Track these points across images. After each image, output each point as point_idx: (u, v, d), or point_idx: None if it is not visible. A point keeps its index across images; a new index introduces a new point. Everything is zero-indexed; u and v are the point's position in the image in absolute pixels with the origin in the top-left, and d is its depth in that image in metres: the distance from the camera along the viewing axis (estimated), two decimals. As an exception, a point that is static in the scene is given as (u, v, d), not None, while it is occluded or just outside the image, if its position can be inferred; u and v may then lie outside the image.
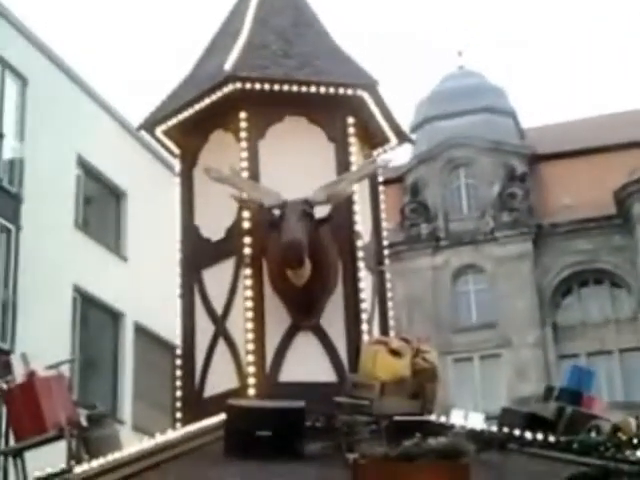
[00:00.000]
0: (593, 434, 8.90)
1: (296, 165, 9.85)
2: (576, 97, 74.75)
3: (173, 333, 10.36)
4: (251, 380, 9.16)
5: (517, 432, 8.61)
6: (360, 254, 9.85)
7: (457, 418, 8.72)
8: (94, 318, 22.40)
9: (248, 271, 9.51)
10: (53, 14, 63.84)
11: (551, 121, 42.04)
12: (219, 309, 9.80)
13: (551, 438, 8.57)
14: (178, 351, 10.17)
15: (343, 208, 9.79)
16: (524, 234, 36.60)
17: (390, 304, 10.61)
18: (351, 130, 10.24)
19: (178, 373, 10.04)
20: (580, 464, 8.16)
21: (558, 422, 8.98)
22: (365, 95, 10.31)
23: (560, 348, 35.41)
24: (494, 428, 8.70)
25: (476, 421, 8.76)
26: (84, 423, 9.32)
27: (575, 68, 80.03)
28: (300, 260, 9.11)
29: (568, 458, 8.30)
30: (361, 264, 9.83)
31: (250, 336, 9.29)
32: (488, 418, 8.97)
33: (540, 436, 8.55)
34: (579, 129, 39.07)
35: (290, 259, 9.12)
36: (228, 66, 10.01)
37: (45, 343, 16.39)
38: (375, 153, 10.99)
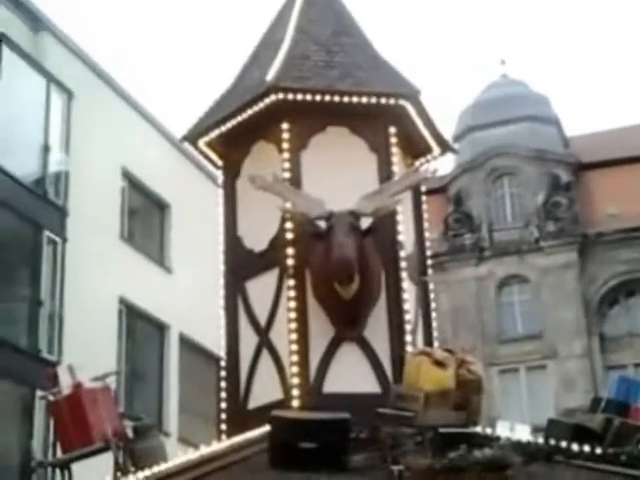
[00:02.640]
0: (641, 446, 8.79)
1: (338, 176, 9.84)
2: (621, 104, 74.17)
3: (218, 344, 10.39)
4: (295, 391, 9.15)
5: (564, 444, 8.53)
6: (403, 265, 9.82)
7: (503, 430, 8.65)
8: (139, 330, 22.54)
9: (291, 282, 9.51)
10: (98, 28, 64.54)
11: (596, 129, 41.71)
12: (263, 320, 9.80)
13: (598, 450, 8.49)
14: (222, 362, 10.19)
15: (386, 219, 9.76)
16: (569, 244, 36.31)
17: (434, 315, 10.57)
18: (393, 140, 10.21)
19: (222, 385, 10.05)
20: (628, 476, 8.08)
21: (605, 434, 8.87)
22: (407, 105, 10.28)
23: (607, 359, 35.07)
24: (540, 440, 8.62)
25: (522, 433, 8.70)
26: (130, 435, 9.36)
27: (620, 75, 79.39)
28: (351, 276, 9.11)
29: (615, 470, 8.23)
30: (404, 275, 9.79)
31: (294, 347, 9.29)
32: (534, 430, 8.89)
33: (587, 448, 8.47)
34: (624, 137, 38.71)
35: (341, 276, 9.11)
36: (270, 77, 10.04)
37: (91, 355, 16.48)
38: (418, 163, 10.95)
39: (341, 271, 9.08)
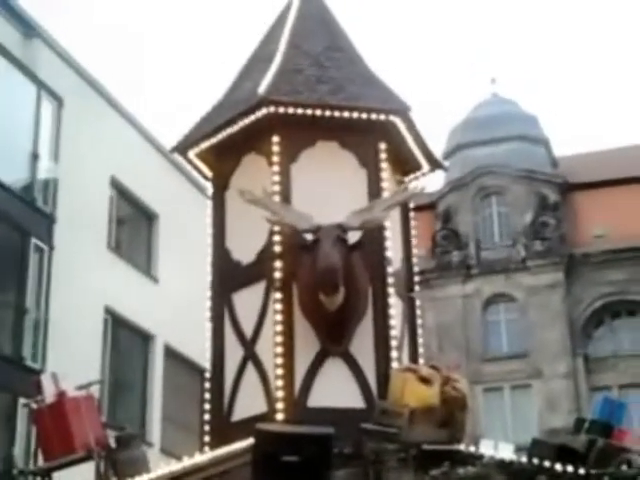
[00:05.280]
0: (624, 467, 8.81)
1: (328, 190, 9.85)
2: (609, 126, 74.46)
3: (203, 356, 10.37)
4: (279, 405, 9.13)
5: (547, 464, 8.53)
6: (390, 280, 9.82)
7: (486, 448, 8.65)
8: (124, 339, 22.48)
9: (278, 295, 9.51)
10: (88, 36, 64.53)
11: (584, 150, 41.85)
12: (249, 333, 9.79)
13: (581, 470, 8.50)
14: (207, 374, 10.16)
15: (374, 234, 9.77)
16: (556, 264, 36.38)
17: (420, 331, 10.57)
18: (383, 156, 10.23)
19: (207, 396, 10.03)
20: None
21: (589, 454, 8.88)
22: (398, 121, 10.30)
23: (591, 380, 35.10)
24: (524, 459, 8.62)
25: (506, 452, 8.70)
26: (112, 444, 9.32)
27: (610, 96, 79.77)
28: (335, 286, 9.09)
29: (598, 491, 8.22)
30: (391, 290, 9.80)
31: (279, 360, 9.27)
32: (518, 449, 8.89)
33: (570, 468, 8.48)
34: (612, 158, 38.87)
35: (326, 285, 9.09)
36: (262, 90, 10.05)
37: (75, 364, 16.44)
38: (407, 179, 10.98)
39: (326, 279, 9.06)
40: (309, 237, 9.41)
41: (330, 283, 9.07)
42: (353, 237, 9.49)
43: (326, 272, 9.01)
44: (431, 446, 8.21)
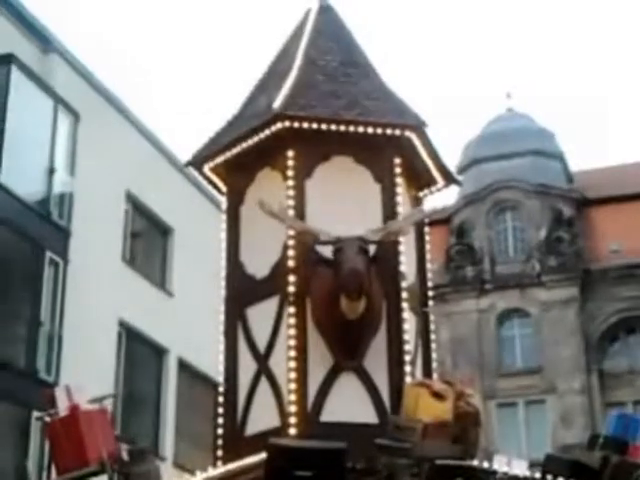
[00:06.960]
0: (639, 484, 8.77)
1: (342, 205, 9.85)
2: (625, 140, 74.27)
3: (216, 370, 10.37)
4: (292, 419, 9.12)
5: (561, 480, 8.49)
6: (404, 295, 9.81)
7: (500, 464, 8.62)
8: (138, 353, 22.50)
9: (292, 309, 9.51)
10: (105, 50, 64.82)
11: (600, 165, 41.75)
12: (262, 347, 9.79)
13: (595, 487, 8.45)
14: (220, 388, 10.16)
15: (388, 248, 9.77)
16: (571, 279, 36.29)
17: (434, 346, 10.55)
18: (398, 171, 10.23)
19: (220, 410, 10.03)
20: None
21: (603, 471, 8.84)
22: (412, 136, 10.31)
23: (606, 395, 34.97)
24: (537, 475, 8.58)
25: (519, 468, 8.66)
26: (125, 458, 9.32)
27: (625, 111, 79.60)
28: (361, 288, 9.08)
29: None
30: (405, 305, 9.79)
31: (292, 375, 9.27)
32: (532, 465, 8.85)
33: (584, 485, 8.43)
34: (628, 173, 38.79)
35: (351, 287, 9.07)
36: (277, 105, 10.08)
37: (89, 377, 16.45)
38: (422, 194, 10.98)
39: (351, 281, 9.04)
40: (325, 251, 9.40)
41: (355, 285, 9.06)
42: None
43: (351, 274, 9.01)
44: (444, 461, 8.18)
